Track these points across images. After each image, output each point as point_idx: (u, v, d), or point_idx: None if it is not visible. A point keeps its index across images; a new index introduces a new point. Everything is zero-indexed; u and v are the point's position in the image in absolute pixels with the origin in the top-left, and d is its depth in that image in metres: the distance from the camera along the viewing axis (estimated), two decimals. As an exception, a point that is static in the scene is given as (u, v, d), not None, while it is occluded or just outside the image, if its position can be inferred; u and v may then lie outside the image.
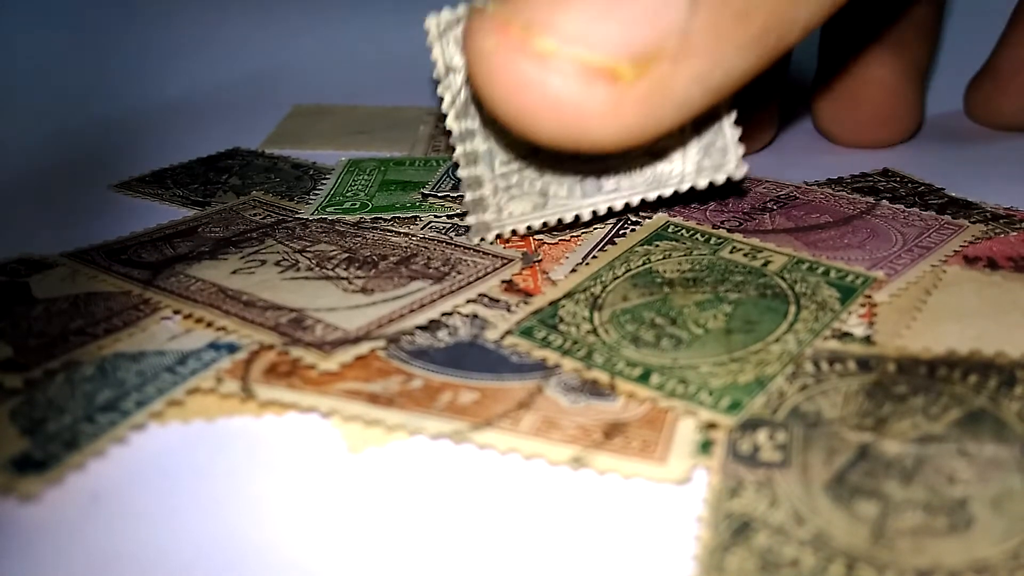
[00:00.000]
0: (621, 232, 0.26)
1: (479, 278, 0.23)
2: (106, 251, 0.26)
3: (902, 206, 0.27)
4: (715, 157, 0.22)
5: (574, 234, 0.26)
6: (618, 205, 0.23)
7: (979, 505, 0.16)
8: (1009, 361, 0.19)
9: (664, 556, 0.16)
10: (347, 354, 0.21)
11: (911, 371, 0.19)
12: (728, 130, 0.23)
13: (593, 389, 0.20)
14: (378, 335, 0.21)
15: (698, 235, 0.25)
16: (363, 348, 0.21)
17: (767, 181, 0.29)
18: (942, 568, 0.15)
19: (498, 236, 0.25)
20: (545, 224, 0.24)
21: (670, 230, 0.25)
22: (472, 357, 0.21)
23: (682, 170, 0.22)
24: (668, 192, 0.23)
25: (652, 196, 0.23)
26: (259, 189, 0.31)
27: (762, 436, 0.18)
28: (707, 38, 0.18)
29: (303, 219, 0.27)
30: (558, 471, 0.18)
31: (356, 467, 0.19)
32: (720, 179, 0.22)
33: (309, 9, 0.52)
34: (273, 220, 0.28)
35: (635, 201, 0.23)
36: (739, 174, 0.22)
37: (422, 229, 0.26)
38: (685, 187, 0.22)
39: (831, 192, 0.28)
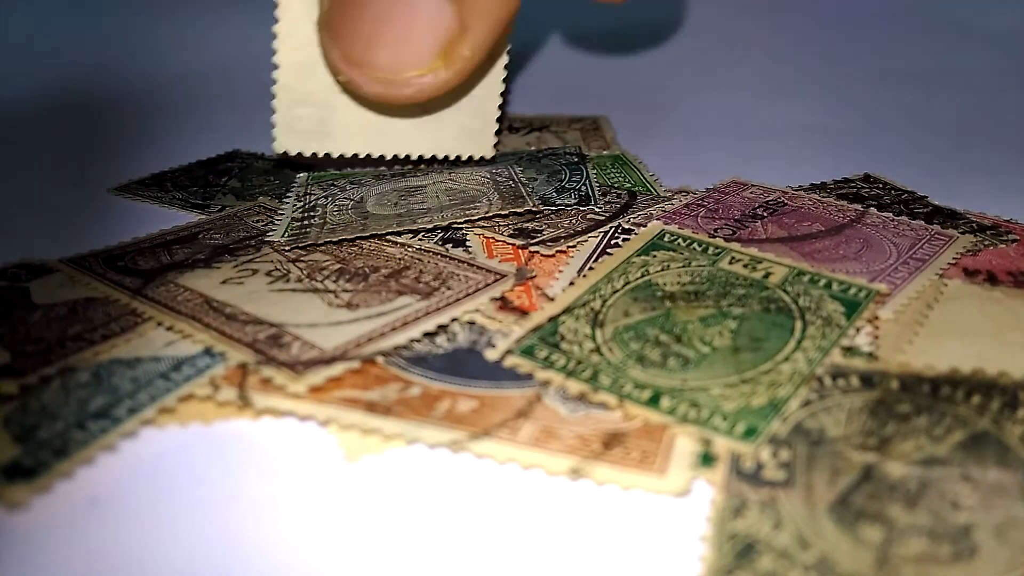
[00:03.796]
0: (614, 242, 0.25)
1: (469, 294, 0.23)
2: (104, 257, 0.26)
3: (890, 214, 0.27)
4: (518, 203, 0.27)
5: (571, 245, 0.25)
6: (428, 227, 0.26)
7: (983, 533, 0.16)
8: (1012, 382, 0.19)
9: (665, 573, 0.16)
10: (318, 375, 0.20)
11: (914, 389, 0.19)
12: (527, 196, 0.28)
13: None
14: (354, 355, 0.21)
15: (695, 244, 0.24)
16: (336, 369, 0.21)
17: (753, 185, 0.29)
18: (947, 596, 0.15)
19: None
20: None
21: (666, 239, 0.25)
22: (471, 364, 0.21)
23: (487, 209, 0.27)
24: (476, 217, 0.26)
25: (460, 220, 0.26)
26: (259, 192, 0.30)
27: (765, 453, 0.17)
28: (479, 21, 0.26)
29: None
30: (557, 481, 0.18)
31: (354, 472, 0.19)
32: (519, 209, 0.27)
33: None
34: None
35: (443, 224, 0.26)
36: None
37: (419, 239, 0.26)
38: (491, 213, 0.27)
39: (818, 199, 0.28)
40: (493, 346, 0.21)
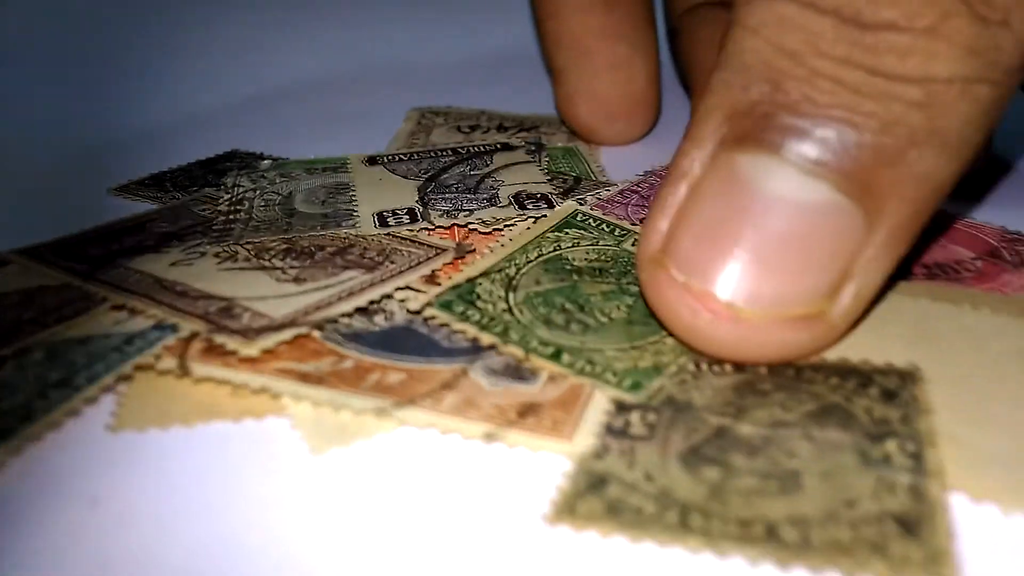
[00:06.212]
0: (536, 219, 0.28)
1: (412, 267, 0.25)
2: (54, 247, 0.27)
3: None
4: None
5: (508, 225, 0.28)
6: None
7: (810, 476, 0.18)
8: (871, 367, 0.21)
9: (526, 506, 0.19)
10: (269, 340, 0.22)
11: (780, 373, 0.21)
12: None
13: (515, 373, 0.22)
14: (304, 322, 0.23)
15: (604, 225, 0.28)
16: (286, 334, 0.22)
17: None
18: (763, 519, 0.17)
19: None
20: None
21: (578, 219, 0.28)
22: (404, 341, 0.23)
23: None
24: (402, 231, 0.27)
25: (384, 233, 0.27)
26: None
27: (635, 416, 0.20)
28: (886, 247, 0.20)
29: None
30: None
31: (356, 471, 0.20)
32: None
33: (313, 13, 0.52)
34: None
35: (371, 233, 0.27)
36: None
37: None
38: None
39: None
40: (427, 324, 0.23)
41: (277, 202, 0.29)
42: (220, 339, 0.22)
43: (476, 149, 0.34)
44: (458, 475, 0.20)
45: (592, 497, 0.18)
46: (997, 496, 0.18)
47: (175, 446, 0.20)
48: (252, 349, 0.22)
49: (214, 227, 0.28)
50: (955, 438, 0.19)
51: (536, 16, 0.36)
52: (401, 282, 0.25)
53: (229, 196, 0.30)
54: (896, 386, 0.21)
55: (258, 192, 0.30)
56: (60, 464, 0.20)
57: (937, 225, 0.28)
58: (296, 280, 0.25)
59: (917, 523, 0.17)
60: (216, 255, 0.27)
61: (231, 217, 0.28)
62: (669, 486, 0.18)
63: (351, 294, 0.24)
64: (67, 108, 0.40)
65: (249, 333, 0.22)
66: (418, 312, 0.24)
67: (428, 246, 0.27)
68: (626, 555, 0.17)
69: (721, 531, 0.17)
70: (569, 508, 0.18)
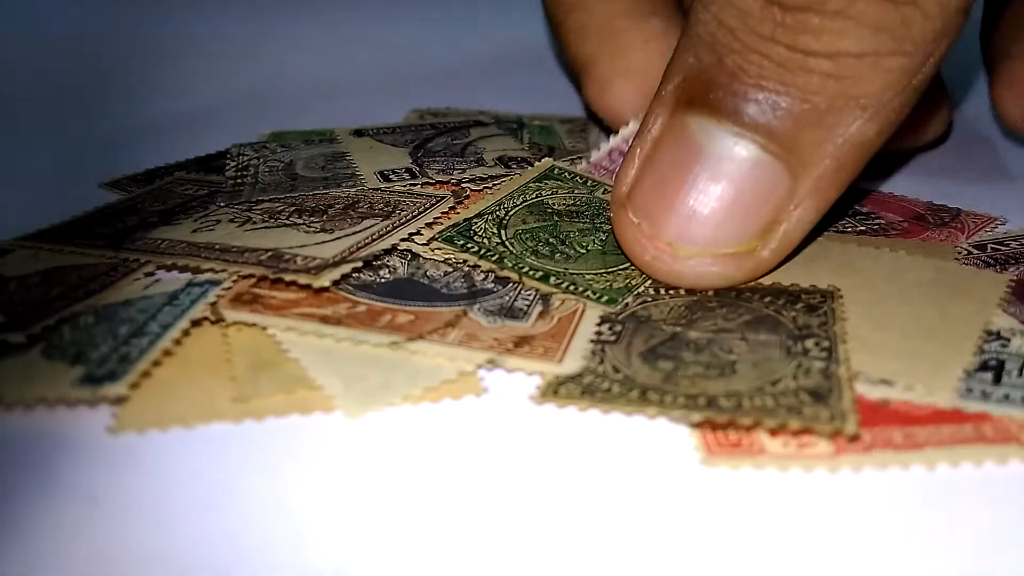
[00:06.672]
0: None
1: (420, 213, 0.28)
2: (58, 231, 0.28)
3: None
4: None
5: (496, 184, 0.32)
6: None
7: (743, 365, 0.23)
8: (799, 289, 0.26)
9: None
10: (335, 272, 0.24)
11: (723, 294, 0.26)
12: None
13: (508, 313, 0.25)
14: (353, 259, 0.25)
15: (577, 178, 0.32)
16: (346, 268, 0.25)
17: None
18: (705, 394, 0.22)
19: None
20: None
21: (555, 172, 0.32)
22: (409, 290, 0.26)
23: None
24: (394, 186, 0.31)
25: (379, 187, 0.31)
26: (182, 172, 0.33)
27: (605, 327, 0.25)
28: (810, 197, 0.24)
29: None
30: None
31: (355, 471, 0.21)
32: None
33: (312, 13, 0.53)
34: (206, 192, 0.30)
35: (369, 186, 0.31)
36: None
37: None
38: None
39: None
40: (428, 276, 0.26)
41: (280, 168, 0.32)
42: (289, 277, 0.24)
43: (452, 124, 0.37)
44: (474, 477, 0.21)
45: (571, 384, 0.23)
46: (891, 376, 0.23)
47: (175, 447, 0.21)
48: (324, 281, 0.24)
49: (223, 189, 0.30)
50: (862, 338, 0.24)
51: (555, 16, 0.35)
52: (421, 223, 0.28)
53: (235, 163, 0.32)
54: (818, 302, 0.26)
55: (261, 160, 0.32)
56: (60, 464, 0.20)
57: (872, 201, 0.32)
58: (324, 231, 0.27)
59: (826, 394, 0.22)
60: (232, 220, 0.28)
61: (239, 181, 0.30)
62: (632, 375, 0.23)
63: (381, 236, 0.27)
64: (61, 101, 0.41)
65: (311, 271, 0.25)
66: (426, 244, 0.28)
67: (428, 196, 0.30)
68: (600, 424, 0.22)
69: (672, 403, 0.22)
70: (553, 391, 0.23)
